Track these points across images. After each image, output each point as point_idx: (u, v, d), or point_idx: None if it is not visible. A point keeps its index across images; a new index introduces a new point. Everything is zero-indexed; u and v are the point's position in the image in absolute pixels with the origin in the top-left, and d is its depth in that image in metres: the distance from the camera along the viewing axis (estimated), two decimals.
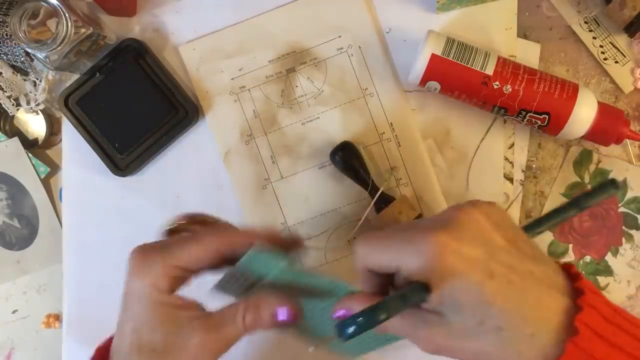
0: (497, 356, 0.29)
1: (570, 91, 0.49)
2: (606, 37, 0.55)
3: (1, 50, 0.55)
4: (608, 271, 0.54)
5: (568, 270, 0.32)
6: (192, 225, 0.39)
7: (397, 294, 0.29)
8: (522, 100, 0.49)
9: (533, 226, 0.34)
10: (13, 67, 0.57)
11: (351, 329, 0.27)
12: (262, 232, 0.37)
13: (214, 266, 0.37)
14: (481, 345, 0.29)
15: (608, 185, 0.34)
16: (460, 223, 0.28)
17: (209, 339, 0.34)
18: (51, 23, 0.52)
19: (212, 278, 0.37)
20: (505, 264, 0.28)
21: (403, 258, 0.29)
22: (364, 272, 0.33)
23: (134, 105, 0.56)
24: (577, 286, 0.30)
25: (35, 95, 0.57)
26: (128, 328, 0.35)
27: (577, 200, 0.34)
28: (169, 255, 0.35)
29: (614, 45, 0.55)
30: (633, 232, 0.54)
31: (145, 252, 0.35)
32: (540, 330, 0.28)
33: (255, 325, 0.35)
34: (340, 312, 0.33)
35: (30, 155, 0.59)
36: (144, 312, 0.35)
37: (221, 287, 0.38)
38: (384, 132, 0.55)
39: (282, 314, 0.35)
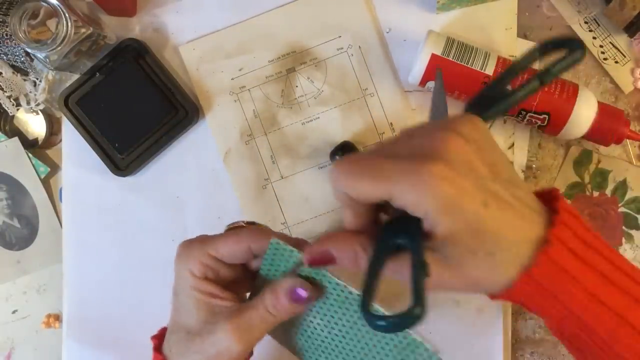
0: (487, 280, 0.30)
1: (570, 91, 0.49)
2: (606, 37, 0.55)
3: (1, 50, 0.55)
4: None
5: (549, 194, 0.33)
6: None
7: (415, 276, 0.28)
8: None
9: (488, 106, 0.32)
10: (13, 67, 0.57)
11: (382, 326, 0.27)
12: (293, 238, 0.38)
13: (246, 262, 0.39)
14: (473, 273, 0.30)
15: (571, 45, 0.31)
16: (448, 153, 0.28)
17: (235, 325, 0.36)
18: (51, 23, 0.52)
19: None
20: (493, 192, 0.29)
21: (396, 190, 0.28)
22: (344, 200, 0.31)
23: (134, 105, 0.56)
24: (556, 207, 0.31)
25: (35, 95, 0.57)
26: (174, 306, 0.39)
27: (541, 74, 0.32)
28: (208, 245, 0.37)
29: (614, 45, 0.55)
30: (633, 232, 0.54)
31: (190, 241, 0.39)
32: (522, 248, 0.30)
33: (276, 307, 0.36)
34: (313, 258, 0.33)
35: (30, 155, 0.59)
36: (183, 294, 0.38)
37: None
38: (384, 132, 0.55)
39: (296, 292, 0.36)
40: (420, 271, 0.28)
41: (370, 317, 0.28)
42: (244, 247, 0.37)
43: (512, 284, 0.30)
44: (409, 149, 0.30)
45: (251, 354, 0.41)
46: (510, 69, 0.34)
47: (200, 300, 0.37)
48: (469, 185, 0.28)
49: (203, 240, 0.38)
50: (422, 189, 0.27)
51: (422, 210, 0.28)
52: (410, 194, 0.28)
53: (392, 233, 0.30)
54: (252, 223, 0.42)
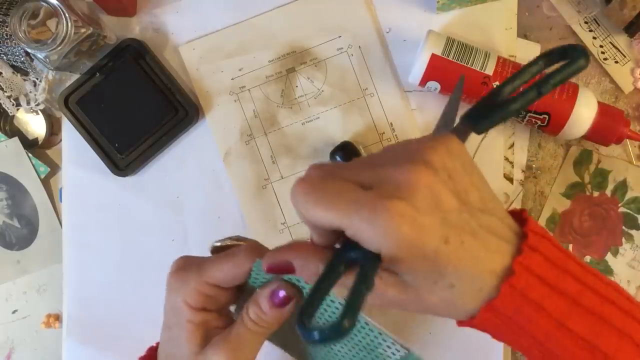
0: (445, 309, 0.30)
1: (570, 91, 0.49)
2: (606, 37, 0.55)
3: (1, 50, 0.55)
4: (608, 271, 0.54)
5: (519, 216, 0.32)
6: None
7: (354, 287, 0.26)
8: None
9: (483, 117, 0.31)
10: (13, 67, 0.57)
11: (317, 338, 0.26)
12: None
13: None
14: (432, 300, 0.30)
15: (575, 54, 0.30)
16: (414, 189, 0.27)
17: (226, 348, 0.35)
18: (51, 23, 0.52)
19: None
20: (457, 226, 0.28)
21: (353, 223, 0.27)
22: (305, 222, 0.31)
23: (134, 105, 0.56)
24: (524, 230, 0.30)
25: (35, 95, 0.57)
26: (165, 337, 0.38)
27: (539, 84, 0.31)
28: (204, 272, 0.35)
29: (614, 45, 0.55)
30: (633, 232, 0.54)
31: (182, 269, 0.37)
32: (486, 280, 0.29)
33: (261, 317, 0.35)
34: (271, 266, 0.32)
35: (30, 155, 0.59)
36: (176, 326, 0.36)
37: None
38: (384, 132, 0.55)
39: (277, 295, 0.35)
40: (361, 285, 0.26)
41: (304, 330, 0.26)
42: (245, 270, 0.35)
43: (475, 315, 0.30)
44: (375, 177, 0.29)
45: None
46: (510, 79, 0.33)
47: (194, 332, 0.36)
48: (430, 222, 0.27)
49: (197, 267, 0.36)
50: (379, 226, 0.26)
51: (377, 247, 0.27)
52: (366, 231, 0.27)
53: (349, 247, 0.29)
54: (238, 238, 0.39)
